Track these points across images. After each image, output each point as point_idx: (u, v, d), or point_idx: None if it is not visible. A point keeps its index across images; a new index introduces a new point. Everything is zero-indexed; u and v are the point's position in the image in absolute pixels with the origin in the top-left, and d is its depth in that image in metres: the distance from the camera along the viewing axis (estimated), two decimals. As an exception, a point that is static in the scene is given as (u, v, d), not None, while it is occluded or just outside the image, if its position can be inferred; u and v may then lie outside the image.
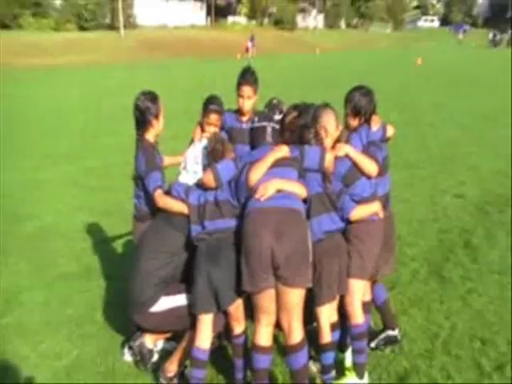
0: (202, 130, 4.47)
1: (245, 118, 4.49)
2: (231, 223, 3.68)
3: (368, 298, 4.13)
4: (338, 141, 3.91)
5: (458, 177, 9.05)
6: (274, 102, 4.47)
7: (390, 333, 4.26)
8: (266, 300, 3.49)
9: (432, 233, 6.64)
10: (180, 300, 3.81)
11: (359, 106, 3.96)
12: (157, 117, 4.09)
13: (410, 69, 28.55)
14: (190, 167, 4.07)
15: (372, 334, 4.28)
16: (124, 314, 4.53)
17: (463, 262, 5.81)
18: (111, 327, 4.64)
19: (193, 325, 3.73)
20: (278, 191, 3.53)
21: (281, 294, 3.47)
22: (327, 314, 3.81)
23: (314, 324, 4.10)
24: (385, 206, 4.04)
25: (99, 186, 8.87)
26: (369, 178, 3.83)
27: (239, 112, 4.50)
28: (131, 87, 21.76)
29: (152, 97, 4.10)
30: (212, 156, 3.86)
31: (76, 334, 4.59)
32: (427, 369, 4.01)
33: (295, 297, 3.47)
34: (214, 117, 4.38)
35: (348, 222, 3.82)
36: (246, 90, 4.36)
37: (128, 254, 6.02)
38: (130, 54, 39.67)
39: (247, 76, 4.37)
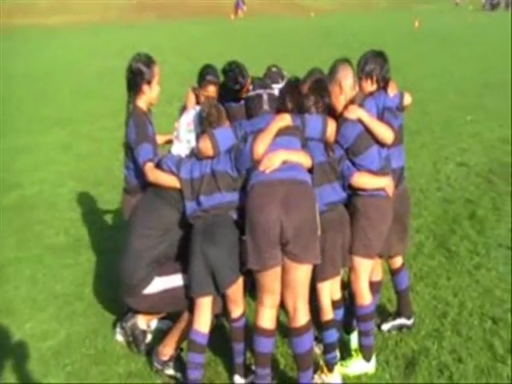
0: (197, 101, 4.13)
1: (242, 96, 4.14)
2: (230, 197, 3.39)
3: (378, 277, 3.89)
4: (351, 103, 3.59)
5: (460, 144, 8.74)
6: (274, 69, 4.12)
7: (405, 321, 4.02)
8: (272, 278, 3.24)
9: (436, 203, 6.38)
10: (175, 280, 3.54)
11: (371, 68, 3.67)
12: (149, 83, 3.72)
13: (409, 32, 27.88)
14: (183, 135, 3.75)
15: (384, 314, 4.07)
16: (114, 291, 4.27)
17: (469, 234, 5.57)
18: (101, 305, 4.38)
19: (190, 306, 3.47)
20: (284, 162, 3.27)
21: (288, 271, 3.23)
22: (329, 291, 3.58)
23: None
24: (399, 181, 3.75)
25: (89, 151, 8.53)
26: (383, 145, 3.53)
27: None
28: (120, 49, 21.30)
29: (147, 60, 3.73)
30: (207, 122, 3.54)
31: (64, 312, 4.33)
32: (437, 351, 3.79)
33: (303, 274, 3.25)
34: (211, 88, 4.09)
35: (350, 190, 3.54)
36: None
37: (118, 225, 5.72)
38: (121, 15, 38.57)
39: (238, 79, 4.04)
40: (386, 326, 4.04)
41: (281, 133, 3.36)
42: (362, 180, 3.50)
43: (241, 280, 3.45)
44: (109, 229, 5.81)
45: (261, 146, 3.29)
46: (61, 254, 5.23)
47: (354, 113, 3.49)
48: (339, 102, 3.58)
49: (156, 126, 3.91)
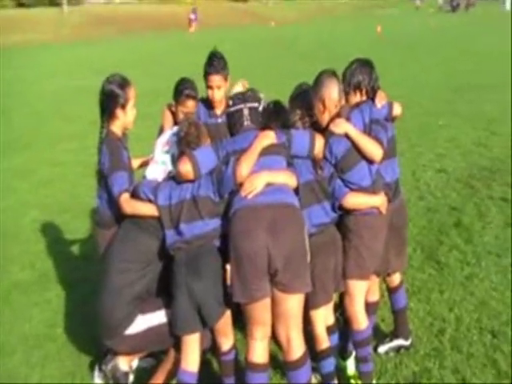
0: (175, 119, 3.96)
1: (219, 111, 4.04)
2: (212, 225, 3.23)
3: (375, 297, 3.77)
4: (337, 116, 3.47)
5: (437, 150, 8.78)
6: (249, 93, 3.95)
7: (403, 342, 3.90)
8: (261, 310, 3.08)
9: (419, 213, 6.33)
10: (160, 317, 3.32)
11: (358, 79, 3.55)
12: (123, 107, 3.51)
13: (373, 38, 28.26)
14: (158, 157, 3.59)
15: (379, 335, 3.94)
16: (89, 328, 4.08)
17: (457, 243, 5.52)
18: (76, 345, 4.13)
19: (176, 343, 3.28)
20: (267, 184, 3.12)
21: (278, 302, 3.08)
22: (323, 318, 3.44)
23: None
24: (394, 195, 3.64)
25: (52, 177, 8.22)
26: (371, 162, 3.41)
27: (211, 104, 4.04)
28: (81, 66, 20.97)
29: (121, 82, 3.53)
30: (186, 142, 3.35)
31: (35, 355, 4.06)
32: (438, 371, 3.68)
33: (295, 304, 3.10)
34: (190, 103, 3.89)
35: (341, 211, 3.41)
36: (215, 79, 3.92)
37: (86, 255, 5.51)
38: (76, 32, 38.05)
39: (214, 63, 3.92)
40: (383, 349, 3.92)
41: (265, 152, 3.22)
42: (354, 201, 3.38)
43: (229, 312, 3.28)
44: (76, 259, 5.55)
45: (244, 167, 3.14)
46: (28, 290, 4.95)
47: (341, 127, 3.37)
48: (323, 118, 3.47)
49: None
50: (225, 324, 3.32)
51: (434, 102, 12.40)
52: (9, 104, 13.87)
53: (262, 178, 3.13)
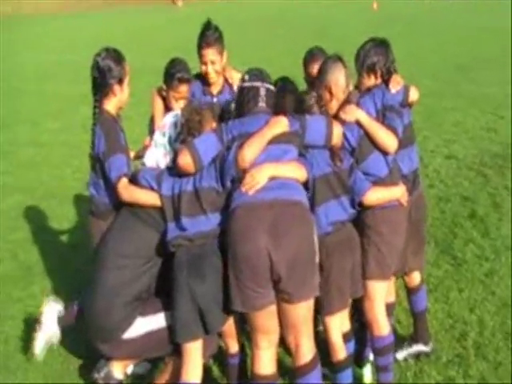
0: (166, 105, 3.65)
1: (214, 90, 3.79)
2: (215, 220, 2.95)
3: (391, 299, 3.53)
4: (347, 102, 3.20)
5: (444, 135, 8.52)
6: (266, 73, 3.65)
7: (423, 348, 3.66)
8: (265, 318, 2.84)
9: (431, 202, 6.05)
10: (160, 320, 3.05)
11: (373, 61, 3.30)
12: (120, 82, 3.27)
13: (369, 16, 27.81)
14: (158, 139, 3.30)
15: (396, 339, 3.67)
16: (79, 327, 3.74)
17: (473, 237, 5.28)
18: (63, 348, 3.82)
19: (177, 349, 3.01)
20: (273, 178, 2.82)
21: (284, 311, 2.84)
22: (339, 324, 3.19)
23: (320, 327, 3.51)
24: (413, 186, 3.38)
25: (35, 158, 7.84)
26: (385, 153, 3.16)
27: (205, 81, 3.77)
28: (61, 41, 20.36)
29: (116, 56, 3.29)
30: (187, 130, 3.08)
31: (16, 359, 3.77)
32: (464, 380, 3.44)
33: (303, 311, 2.86)
34: (183, 88, 3.59)
35: (361, 206, 3.15)
36: (209, 53, 3.65)
37: (75, 244, 5.20)
38: (61, 3, 37.10)
39: (207, 35, 3.64)
40: (401, 355, 3.67)
41: (274, 139, 2.91)
42: (375, 197, 3.13)
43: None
44: (64, 249, 5.25)
45: (248, 152, 2.85)
46: (9, 285, 4.64)
47: (352, 114, 3.13)
48: (331, 107, 3.21)
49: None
50: (231, 325, 3.10)
51: (437, 83, 12.10)
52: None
53: (265, 170, 2.83)
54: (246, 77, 3.11)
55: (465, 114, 9.62)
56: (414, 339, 3.70)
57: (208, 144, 2.96)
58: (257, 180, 2.80)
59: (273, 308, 2.82)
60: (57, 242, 5.41)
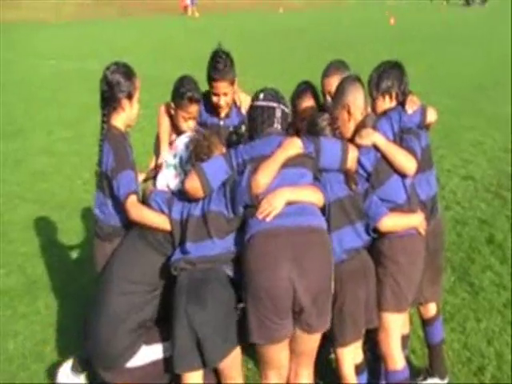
0: (173, 124, 3.55)
1: (223, 113, 3.67)
2: (222, 246, 2.86)
3: (406, 330, 3.41)
4: (362, 126, 3.11)
5: (461, 154, 8.38)
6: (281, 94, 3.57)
7: (439, 382, 3.52)
8: (280, 351, 2.74)
9: (447, 225, 5.91)
10: (165, 348, 2.96)
11: (388, 85, 3.22)
12: (130, 97, 3.18)
13: (386, 30, 27.78)
14: (169, 160, 3.23)
15: (411, 369, 3.54)
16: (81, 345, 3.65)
17: (491, 263, 5.13)
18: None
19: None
20: (290, 203, 2.72)
21: (296, 340, 2.75)
22: (352, 356, 3.07)
23: (332, 355, 3.40)
24: (431, 213, 3.27)
25: (46, 168, 7.79)
26: (403, 176, 3.05)
27: (214, 106, 3.65)
28: (77, 49, 20.45)
29: (127, 71, 3.20)
30: (196, 155, 3.02)
31: (19, 378, 3.67)
32: (481, 420, 3.30)
33: (313, 344, 2.80)
34: (193, 108, 3.47)
35: (376, 233, 3.04)
36: (221, 86, 3.51)
37: (84, 260, 5.10)
38: (76, 11, 37.45)
39: (219, 66, 3.46)
40: (416, 388, 3.54)
41: (288, 163, 2.81)
42: (391, 224, 3.01)
43: (238, 351, 2.89)
44: (72, 265, 5.15)
45: (262, 178, 2.74)
46: (14, 300, 4.55)
47: (369, 138, 3.03)
48: (348, 128, 3.12)
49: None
50: (233, 366, 2.91)
51: (455, 100, 11.96)
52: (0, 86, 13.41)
53: (282, 195, 2.73)
54: (261, 96, 3.01)
55: (483, 132, 9.47)
56: (429, 372, 3.57)
57: (216, 167, 2.88)
58: (274, 206, 2.70)
59: (287, 341, 2.72)
60: (65, 256, 5.31)
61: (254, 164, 2.81)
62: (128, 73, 3.18)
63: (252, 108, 3.06)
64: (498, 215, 6.17)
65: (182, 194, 2.96)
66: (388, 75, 3.24)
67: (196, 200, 2.88)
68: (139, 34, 26.38)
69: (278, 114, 2.96)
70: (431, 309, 3.51)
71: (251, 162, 2.84)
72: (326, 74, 3.52)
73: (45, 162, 8.02)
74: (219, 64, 3.46)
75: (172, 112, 3.55)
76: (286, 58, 18.10)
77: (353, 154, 2.98)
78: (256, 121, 2.99)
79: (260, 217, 2.69)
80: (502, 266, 5.08)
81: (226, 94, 3.55)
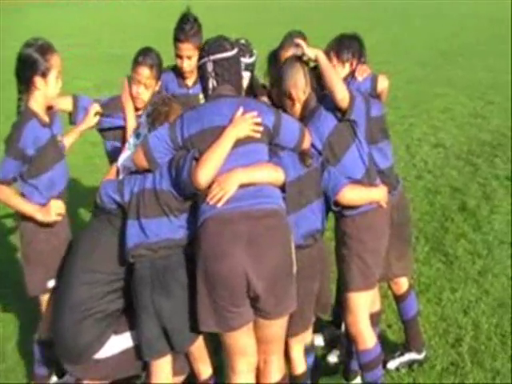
0: (132, 96, 3.32)
1: (190, 81, 3.60)
2: (181, 227, 2.70)
3: (377, 307, 3.32)
4: (304, 104, 2.96)
5: (431, 122, 8.33)
6: (242, 41, 3.41)
7: (416, 356, 3.44)
8: (242, 337, 2.59)
9: (419, 194, 5.87)
10: (136, 337, 2.81)
11: (344, 49, 3.17)
12: (44, 75, 2.95)
13: (350, 2, 27.51)
14: (132, 141, 3.04)
15: (387, 345, 3.48)
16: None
17: (465, 231, 5.09)
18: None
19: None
20: (243, 185, 2.51)
21: (259, 327, 2.62)
22: (300, 341, 3.01)
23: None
24: (391, 184, 3.16)
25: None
26: (339, 110, 2.85)
27: (180, 73, 3.58)
28: (41, 30, 19.78)
29: (43, 46, 2.97)
30: (152, 121, 2.81)
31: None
32: (461, 393, 3.25)
33: (278, 328, 2.66)
34: (143, 71, 3.24)
35: (337, 207, 2.91)
36: (185, 48, 3.45)
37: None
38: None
39: (185, 28, 3.39)
40: (393, 364, 3.47)
41: (241, 139, 2.57)
42: (352, 195, 2.87)
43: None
44: None
45: (203, 173, 2.48)
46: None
47: (313, 51, 2.85)
48: (295, 112, 2.96)
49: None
50: (200, 348, 2.84)
51: (423, 68, 11.92)
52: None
53: (234, 177, 2.50)
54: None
55: (452, 99, 9.48)
56: (406, 347, 3.49)
57: (158, 137, 2.63)
58: (225, 190, 2.48)
59: (250, 326, 2.58)
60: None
61: (200, 145, 2.54)
62: (44, 48, 2.96)
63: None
64: (470, 182, 6.13)
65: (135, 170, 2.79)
66: (347, 46, 3.17)
67: (147, 173, 2.68)
68: (102, 15, 25.72)
69: (210, 67, 2.67)
70: (403, 284, 3.42)
71: (197, 138, 2.56)
72: (282, 46, 3.33)
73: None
74: (186, 25, 3.42)
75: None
76: (253, 30, 17.79)
77: (308, 137, 2.80)
78: (202, 85, 2.77)
79: (211, 202, 2.48)
80: (475, 233, 5.05)
81: (189, 58, 3.48)
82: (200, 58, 2.76)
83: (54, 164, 3.03)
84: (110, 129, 3.39)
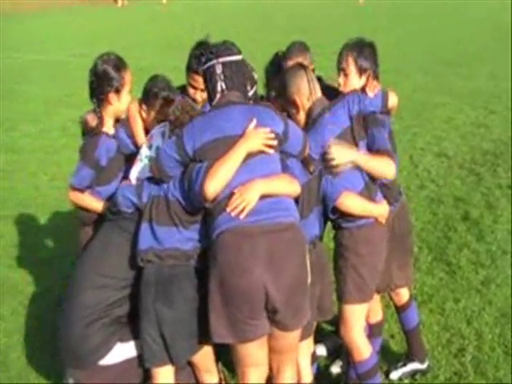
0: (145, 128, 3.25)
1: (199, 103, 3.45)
2: (191, 239, 2.74)
3: (378, 317, 3.37)
4: (309, 111, 2.98)
5: (434, 132, 8.35)
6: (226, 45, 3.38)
7: (419, 366, 3.46)
8: (256, 348, 2.61)
9: (422, 204, 5.89)
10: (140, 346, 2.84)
11: (367, 63, 3.12)
12: (118, 91, 3.11)
13: (355, 8, 27.59)
14: (144, 152, 3.06)
15: (390, 356, 3.50)
16: (52, 353, 3.51)
17: (468, 241, 5.10)
18: (34, 375, 3.58)
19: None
20: (262, 197, 2.52)
21: (275, 338, 2.64)
22: (308, 356, 3.06)
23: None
24: (394, 196, 3.19)
25: (9, 165, 7.52)
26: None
27: (188, 96, 3.42)
28: (39, 40, 19.90)
29: (117, 63, 3.13)
30: (172, 130, 2.84)
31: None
32: (464, 404, 3.26)
33: (293, 339, 2.69)
34: (168, 109, 3.19)
35: (336, 215, 2.94)
36: (202, 81, 3.12)
37: (51, 258, 4.96)
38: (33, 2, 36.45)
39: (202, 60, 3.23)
40: (396, 374, 3.49)
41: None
42: (350, 202, 2.88)
43: (210, 342, 2.80)
44: (38, 265, 4.97)
45: (212, 184, 2.49)
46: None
47: (346, 158, 2.86)
48: (299, 119, 2.98)
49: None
50: (205, 358, 2.88)
51: (425, 77, 11.95)
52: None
53: (255, 188, 2.51)
54: (203, 59, 2.73)
55: (455, 108, 9.50)
56: (408, 357, 3.51)
57: (167, 153, 2.67)
58: (247, 201, 2.47)
59: (264, 338, 2.60)
60: (31, 257, 5.12)
61: (212, 154, 2.53)
62: (119, 65, 3.11)
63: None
64: (473, 192, 6.15)
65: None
66: (367, 54, 3.14)
67: (162, 182, 2.74)
68: (106, 23, 25.83)
69: (219, 69, 2.65)
70: (404, 295, 3.44)
71: (210, 147, 2.55)
72: (287, 56, 3.37)
73: (7, 159, 7.74)
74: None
75: (143, 113, 3.23)
76: (252, 40, 17.89)
77: (308, 143, 2.83)
78: (208, 89, 2.74)
79: (233, 214, 2.48)
80: (478, 243, 5.06)
81: (203, 90, 3.16)
82: (207, 60, 2.71)
83: (118, 173, 3.17)
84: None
